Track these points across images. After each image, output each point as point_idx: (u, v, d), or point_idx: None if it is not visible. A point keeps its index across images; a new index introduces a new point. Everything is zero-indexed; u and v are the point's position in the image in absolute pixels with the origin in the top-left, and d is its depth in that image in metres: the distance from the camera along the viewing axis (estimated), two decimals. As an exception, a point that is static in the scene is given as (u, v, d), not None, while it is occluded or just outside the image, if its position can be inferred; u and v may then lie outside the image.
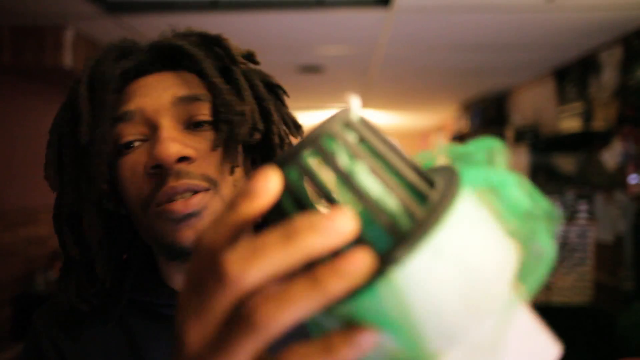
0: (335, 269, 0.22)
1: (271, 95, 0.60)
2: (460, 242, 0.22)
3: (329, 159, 0.24)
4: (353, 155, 0.24)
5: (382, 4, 2.30)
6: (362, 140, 0.25)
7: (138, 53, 0.56)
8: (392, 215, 0.23)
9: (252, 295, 0.22)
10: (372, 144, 0.25)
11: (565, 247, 3.01)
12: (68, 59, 2.57)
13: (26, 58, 2.57)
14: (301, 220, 0.22)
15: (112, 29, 2.60)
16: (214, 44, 0.57)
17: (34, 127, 2.94)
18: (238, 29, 2.62)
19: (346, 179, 0.23)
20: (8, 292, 2.79)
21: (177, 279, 0.59)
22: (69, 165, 0.55)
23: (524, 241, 0.26)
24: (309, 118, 6.54)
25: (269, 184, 0.23)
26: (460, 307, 0.22)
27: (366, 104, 5.51)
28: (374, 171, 0.24)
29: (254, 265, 0.22)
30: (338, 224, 0.22)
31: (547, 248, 0.26)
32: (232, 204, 0.24)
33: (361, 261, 0.22)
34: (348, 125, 0.25)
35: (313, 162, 0.24)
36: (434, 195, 0.24)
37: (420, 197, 0.24)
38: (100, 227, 0.55)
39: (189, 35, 0.59)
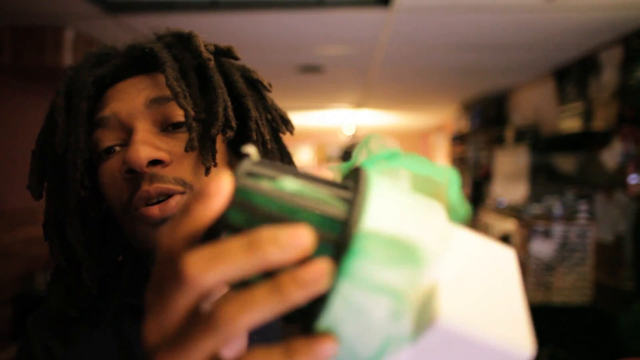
0: (295, 278, 0.23)
1: (251, 91, 0.59)
2: (388, 213, 0.25)
3: (253, 211, 0.25)
4: (271, 196, 0.25)
5: (382, 4, 2.30)
6: (272, 178, 0.27)
7: (114, 59, 0.56)
8: (327, 226, 0.25)
9: (210, 297, 0.24)
10: (282, 178, 0.26)
11: (565, 247, 3.01)
12: (68, 59, 2.57)
13: (26, 58, 2.57)
14: (265, 232, 0.23)
15: (112, 29, 2.59)
16: (186, 42, 0.57)
17: (34, 127, 2.93)
18: (238, 29, 2.62)
19: (276, 218, 0.25)
20: (8, 292, 2.79)
21: None
22: (50, 174, 0.56)
23: (435, 196, 0.30)
24: (309, 118, 6.54)
25: (221, 186, 0.24)
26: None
27: (366, 104, 5.51)
28: (294, 200, 0.25)
29: (213, 268, 0.23)
30: (297, 240, 0.23)
31: (455, 195, 0.30)
32: (187, 207, 0.25)
33: (319, 270, 0.23)
34: (253, 174, 0.26)
35: (241, 217, 0.25)
36: (349, 194, 0.26)
37: (343, 201, 0.26)
38: (83, 233, 0.55)
39: (164, 36, 0.59)
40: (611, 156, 2.76)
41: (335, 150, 9.05)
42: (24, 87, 2.92)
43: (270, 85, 0.62)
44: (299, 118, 6.49)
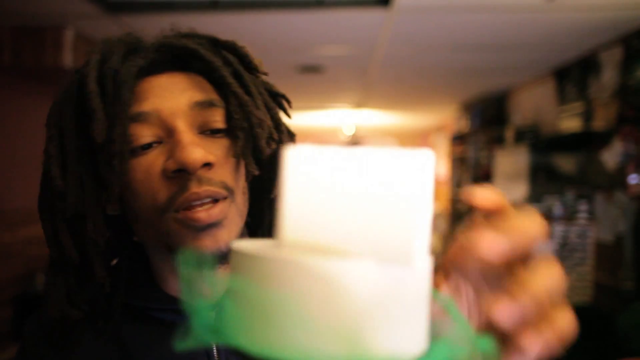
0: None
1: (275, 104, 0.60)
2: None
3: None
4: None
5: (382, 4, 2.30)
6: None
7: (147, 51, 0.54)
8: None
9: None
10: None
11: (565, 247, 3.01)
12: (68, 59, 2.57)
13: (26, 58, 2.57)
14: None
15: (112, 29, 2.60)
16: (226, 49, 0.56)
17: (34, 127, 2.94)
18: (238, 29, 2.62)
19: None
20: (8, 292, 2.79)
21: (173, 283, 0.58)
22: (73, 163, 0.52)
23: None
24: (309, 118, 6.54)
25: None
26: None
27: (366, 104, 5.51)
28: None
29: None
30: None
31: None
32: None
33: None
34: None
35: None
36: None
37: None
38: (106, 228, 0.53)
39: (196, 36, 0.58)
40: (611, 156, 2.76)
41: (335, 150, 9.03)
42: (24, 87, 2.92)
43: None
44: (299, 118, 6.49)
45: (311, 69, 3.55)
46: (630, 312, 2.38)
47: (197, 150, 0.49)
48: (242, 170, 0.55)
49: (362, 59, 3.34)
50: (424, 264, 0.25)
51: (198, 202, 0.49)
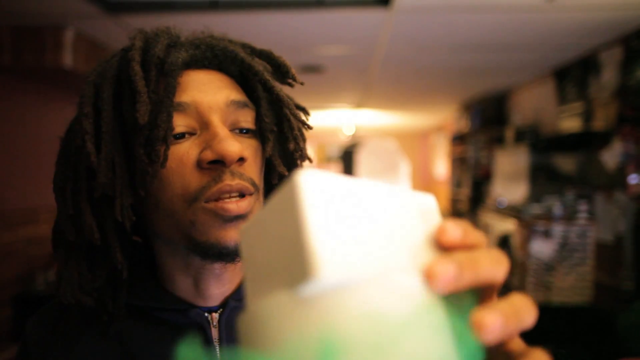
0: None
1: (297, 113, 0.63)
2: None
3: None
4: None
5: (382, 4, 2.30)
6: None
7: (187, 46, 0.56)
8: None
9: None
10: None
11: (565, 247, 3.01)
12: (68, 59, 2.57)
13: (26, 58, 2.57)
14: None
15: (112, 29, 2.60)
16: (262, 57, 0.61)
17: (34, 127, 2.94)
18: (238, 29, 2.62)
19: None
20: (8, 292, 2.79)
21: (180, 283, 0.58)
22: (107, 143, 0.52)
23: None
24: (308, 118, 6.54)
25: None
26: None
27: (366, 104, 5.51)
28: None
29: None
30: None
31: None
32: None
33: None
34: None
35: None
36: None
37: None
38: (132, 214, 0.52)
39: (231, 41, 0.61)
40: (611, 156, 2.76)
41: (335, 150, 9.05)
42: (24, 87, 2.92)
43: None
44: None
45: (311, 69, 3.55)
46: (630, 312, 2.38)
47: (235, 144, 0.50)
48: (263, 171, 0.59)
49: (362, 59, 3.34)
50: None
51: (227, 195, 0.51)
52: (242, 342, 0.25)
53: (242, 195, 0.52)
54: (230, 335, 0.56)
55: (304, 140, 0.62)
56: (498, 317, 0.25)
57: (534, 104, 4.03)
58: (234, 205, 0.51)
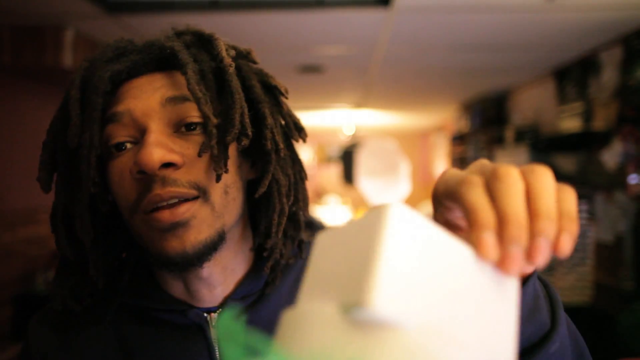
0: None
1: (268, 97, 0.59)
2: None
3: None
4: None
5: (382, 4, 2.30)
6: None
7: (131, 54, 0.55)
8: None
9: None
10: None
11: (565, 247, 3.00)
12: (68, 59, 2.57)
13: (26, 58, 2.56)
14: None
15: (112, 29, 2.59)
16: (207, 43, 0.56)
17: (34, 127, 2.94)
18: (238, 29, 2.62)
19: None
20: (8, 292, 2.79)
21: (173, 285, 0.58)
22: (62, 166, 0.54)
23: None
24: (309, 118, 6.54)
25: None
26: None
27: (366, 104, 5.51)
28: None
29: None
30: None
31: None
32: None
33: None
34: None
35: None
36: None
37: None
38: (92, 228, 0.53)
39: (184, 33, 0.58)
40: (611, 156, 2.76)
41: (335, 150, 9.05)
42: (24, 87, 2.92)
43: (286, 90, 0.61)
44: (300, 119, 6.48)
45: (311, 69, 3.55)
46: (630, 312, 2.38)
47: (155, 151, 0.48)
48: (231, 168, 0.54)
49: (362, 59, 3.34)
50: None
51: (164, 204, 0.49)
52: (279, 334, 0.25)
53: (185, 200, 0.50)
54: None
55: (266, 127, 0.56)
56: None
57: (534, 104, 4.03)
58: (166, 214, 0.49)
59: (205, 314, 0.57)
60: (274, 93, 0.60)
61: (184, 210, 0.49)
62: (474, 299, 0.26)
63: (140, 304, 0.57)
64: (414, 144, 8.96)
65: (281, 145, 0.57)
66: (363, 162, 5.03)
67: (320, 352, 0.22)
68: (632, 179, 2.59)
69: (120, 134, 0.52)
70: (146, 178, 0.50)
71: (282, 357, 0.23)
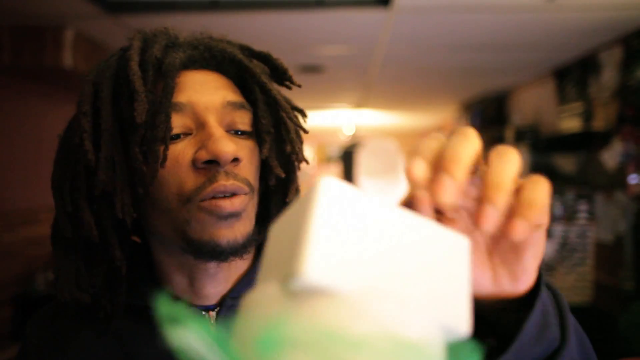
0: None
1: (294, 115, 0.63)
2: None
3: None
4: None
5: (382, 4, 2.30)
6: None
7: (185, 47, 0.56)
8: None
9: None
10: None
11: (565, 247, 3.01)
12: (68, 59, 2.57)
13: (26, 58, 2.56)
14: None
15: (112, 29, 2.60)
16: (259, 59, 0.60)
17: (33, 127, 2.94)
18: (238, 29, 2.62)
19: None
20: (8, 292, 2.79)
21: (176, 282, 0.58)
22: (107, 141, 0.52)
23: None
24: (309, 118, 6.55)
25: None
26: None
27: (366, 104, 5.51)
28: None
29: None
30: None
31: None
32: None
33: None
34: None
35: None
36: None
37: None
38: (133, 211, 0.53)
39: (230, 42, 0.61)
40: (611, 156, 2.76)
41: (335, 150, 9.05)
42: (24, 87, 2.92)
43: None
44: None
45: (311, 69, 3.55)
46: (630, 312, 2.38)
47: (230, 144, 0.51)
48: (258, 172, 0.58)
49: (362, 59, 3.34)
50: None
51: (221, 195, 0.51)
52: (235, 323, 0.26)
53: (235, 194, 0.52)
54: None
55: (301, 142, 0.61)
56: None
57: (534, 104, 4.03)
58: (227, 203, 0.51)
59: (204, 312, 0.57)
60: (297, 110, 0.64)
61: (240, 202, 0.52)
62: (417, 259, 0.27)
63: (140, 303, 0.57)
64: (414, 144, 8.96)
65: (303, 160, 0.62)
66: (363, 162, 5.04)
67: (262, 330, 0.23)
68: (632, 179, 2.59)
69: (179, 124, 0.52)
70: (211, 168, 0.51)
71: (230, 347, 0.23)
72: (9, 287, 2.80)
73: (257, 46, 0.63)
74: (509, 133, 4.06)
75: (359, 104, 5.56)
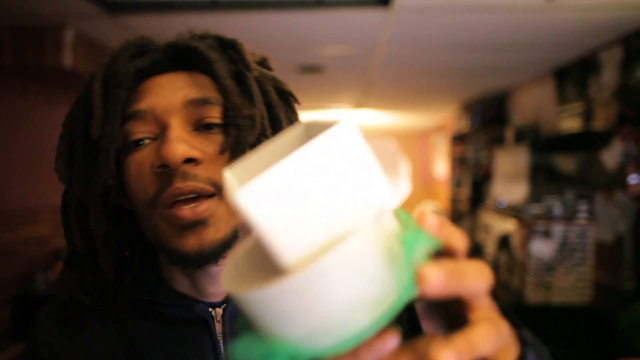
0: None
1: (282, 102, 0.60)
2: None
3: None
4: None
5: (382, 4, 2.30)
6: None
7: (153, 52, 0.56)
8: None
9: None
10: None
11: (565, 247, 3.01)
12: (68, 59, 2.57)
13: (26, 58, 2.57)
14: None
15: (112, 29, 2.60)
16: (229, 47, 0.57)
17: (34, 127, 2.94)
18: (238, 29, 2.62)
19: None
20: (8, 292, 2.79)
21: (179, 280, 0.59)
22: (79, 159, 0.55)
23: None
24: (309, 118, 6.55)
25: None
26: None
27: (366, 104, 5.51)
28: None
29: None
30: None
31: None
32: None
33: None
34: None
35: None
36: None
37: None
38: (105, 221, 0.55)
39: (205, 37, 0.59)
40: (611, 156, 2.76)
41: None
42: (24, 87, 2.92)
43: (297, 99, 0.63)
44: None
45: (311, 69, 3.55)
46: (630, 312, 2.38)
47: (179, 146, 0.50)
48: None
49: (362, 59, 3.34)
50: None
51: (182, 198, 0.50)
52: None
53: (202, 197, 0.51)
54: (233, 330, 0.57)
55: (279, 128, 0.58)
56: (439, 274, 0.27)
57: (534, 104, 4.03)
58: (187, 211, 0.50)
59: (210, 309, 0.58)
60: (288, 99, 0.62)
61: (204, 209, 0.50)
62: (330, 184, 0.28)
63: (146, 298, 0.58)
64: (414, 144, 8.96)
65: None
66: (363, 162, 5.02)
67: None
68: (632, 179, 2.60)
69: (141, 130, 0.53)
70: (167, 172, 0.50)
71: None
72: (9, 287, 2.80)
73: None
74: (509, 133, 4.06)
75: (359, 104, 5.56)
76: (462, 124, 5.73)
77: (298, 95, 0.65)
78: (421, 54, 3.23)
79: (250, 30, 2.64)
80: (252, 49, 0.60)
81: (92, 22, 2.52)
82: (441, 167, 7.55)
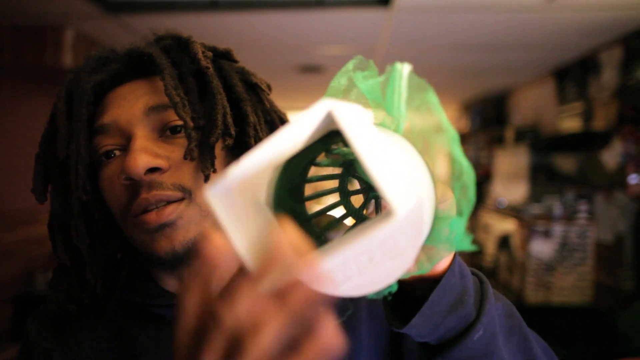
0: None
1: (250, 95, 0.59)
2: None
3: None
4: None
5: (382, 4, 2.30)
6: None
7: (113, 63, 0.56)
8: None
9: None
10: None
11: (565, 247, 3.01)
12: (68, 59, 2.57)
13: (26, 58, 2.57)
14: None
15: (112, 29, 2.60)
16: (185, 47, 0.56)
17: (34, 127, 2.94)
18: (238, 29, 2.62)
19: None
20: (8, 292, 2.79)
21: (166, 281, 0.59)
22: (55, 177, 0.56)
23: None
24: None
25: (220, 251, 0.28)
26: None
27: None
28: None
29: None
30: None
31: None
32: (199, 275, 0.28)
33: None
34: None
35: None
36: None
37: None
38: (88, 235, 0.56)
39: (163, 38, 0.59)
40: (611, 156, 2.76)
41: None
42: (24, 87, 2.92)
43: (269, 87, 0.62)
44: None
45: (311, 69, 3.55)
46: (630, 312, 2.38)
47: (140, 157, 0.49)
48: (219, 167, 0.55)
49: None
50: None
51: (152, 207, 0.51)
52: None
53: (169, 202, 0.51)
54: None
55: (249, 125, 0.56)
56: None
57: (534, 104, 4.03)
58: (152, 217, 0.50)
59: None
60: (256, 90, 0.61)
61: (170, 212, 0.51)
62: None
63: (139, 300, 0.59)
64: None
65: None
66: (363, 162, 5.01)
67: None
68: (632, 179, 2.60)
69: (108, 142, 0.54)
70: (134, 183, 0.51)
71: None
72: (9, 287, 2.80)
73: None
74: (509, 133, 4.06)
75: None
76: (462, 124, 5.73)
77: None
78: (421, 54, 3.23)
79: (250, 30, 2.64)
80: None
81: (92, 22, 2.51)
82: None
